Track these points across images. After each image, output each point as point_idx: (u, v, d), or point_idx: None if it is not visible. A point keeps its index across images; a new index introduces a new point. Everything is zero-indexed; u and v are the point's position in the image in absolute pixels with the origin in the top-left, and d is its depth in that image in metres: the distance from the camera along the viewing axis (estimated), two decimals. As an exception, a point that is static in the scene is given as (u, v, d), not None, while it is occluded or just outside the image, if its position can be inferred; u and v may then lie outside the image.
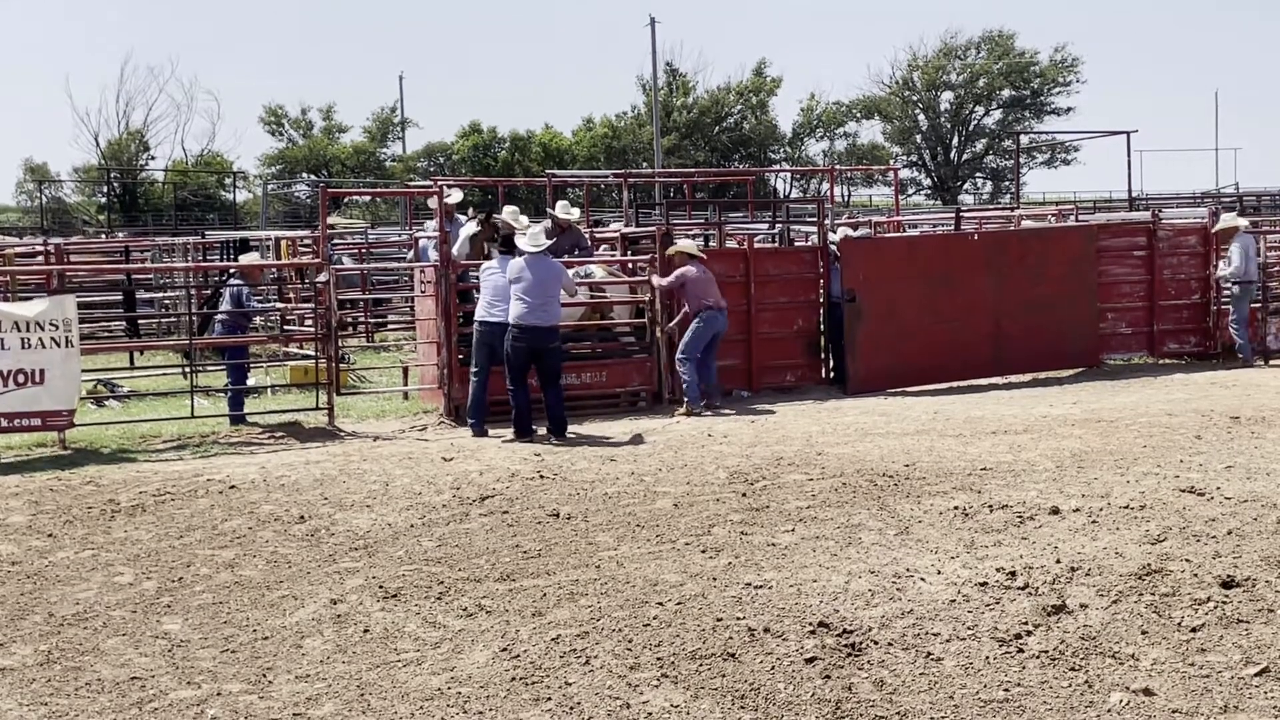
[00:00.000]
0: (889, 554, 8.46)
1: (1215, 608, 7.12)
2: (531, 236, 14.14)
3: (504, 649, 7.00)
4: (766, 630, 7.01)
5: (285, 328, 19.92)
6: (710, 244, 19.71)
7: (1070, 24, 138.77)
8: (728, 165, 73.50)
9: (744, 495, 10.45)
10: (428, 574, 8.52)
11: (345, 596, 8.11)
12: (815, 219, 19.62)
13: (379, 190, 58.26)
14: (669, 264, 16.02)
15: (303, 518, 10.21)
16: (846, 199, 66.14)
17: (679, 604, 7.55)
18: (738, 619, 7.21)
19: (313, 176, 72.52)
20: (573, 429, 14.06)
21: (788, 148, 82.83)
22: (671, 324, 15.91)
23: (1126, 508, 9.36)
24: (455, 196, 18.61)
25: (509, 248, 14.11)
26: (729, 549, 8.77)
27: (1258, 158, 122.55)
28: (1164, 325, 19.42)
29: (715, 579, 8.04)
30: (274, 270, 21.03)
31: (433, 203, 18.41)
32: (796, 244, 20.36)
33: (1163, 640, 6.73)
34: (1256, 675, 6.22)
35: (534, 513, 10.12)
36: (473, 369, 14.23)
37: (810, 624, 7.07)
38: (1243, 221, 20.36)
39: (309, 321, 18.42)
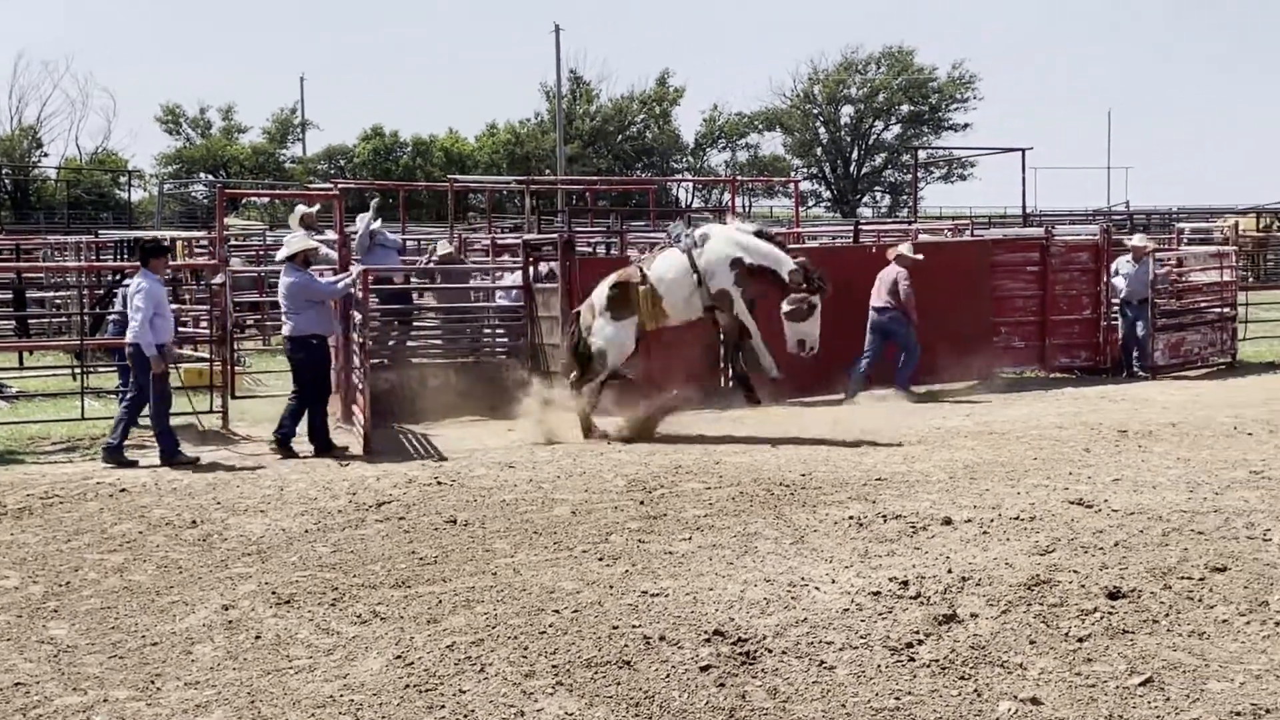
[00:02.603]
0: (785, 563, 8.52)
1: (1102, 618, 7.26)
2: (286, 245, 14.17)
3: (398, 656, 6.95)
4: (662, 638, 7.03)
5: (180, 330, 19.59)
6: (611, 252, 19.71)
7: (968, 42, 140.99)
8: (630, 174, 73.62)
9: (642, 503, 10.46)
10: (322, 580, 8.44)
11: (237, 602, 8.01)
12: (716, 229, 19.66)
13: (278, 192, 57.52)
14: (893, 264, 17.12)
15: (195, 522, 10.07)
16: (747, 210, 66.38)
17: (575, 612, 7.55)
18: (634, 627, 7.23)
19: (210, 177, 71.51)
20: None
21: (690, 157, 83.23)
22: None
23: (1017, 519, 9.50)
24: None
25: None
26: (626, 557, 8.78)
27: (1148, 176, 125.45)
28: (1056, 340, 19.71)
29: (612, 587, 8.05)
30: (169, 271, 20.68)
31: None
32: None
33: (1050, 650, 6.85)
34: (1141, 685, 6.35)
35: (431, 519, 10.06)
36: None
37: (706, 632, 7.10)
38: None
39: (204, 324, 18.14)
